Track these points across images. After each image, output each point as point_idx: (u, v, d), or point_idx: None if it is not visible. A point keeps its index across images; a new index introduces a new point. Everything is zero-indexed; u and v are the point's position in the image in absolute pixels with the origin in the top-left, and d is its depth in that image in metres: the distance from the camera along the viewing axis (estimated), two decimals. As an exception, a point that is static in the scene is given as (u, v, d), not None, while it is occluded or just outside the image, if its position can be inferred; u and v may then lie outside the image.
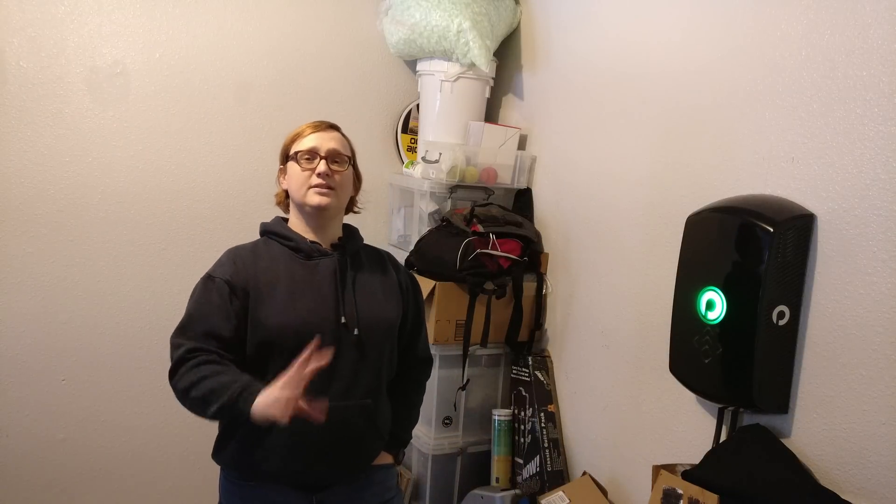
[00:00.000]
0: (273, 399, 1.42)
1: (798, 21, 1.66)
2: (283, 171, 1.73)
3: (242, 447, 1.63)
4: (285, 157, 1.71)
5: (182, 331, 1.59)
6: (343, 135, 1.74)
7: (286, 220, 1.76)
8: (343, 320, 1.64)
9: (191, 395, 1.51)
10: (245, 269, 1.64)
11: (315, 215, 1.68)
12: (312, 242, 1.69)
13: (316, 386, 1.55)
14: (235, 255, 1.68)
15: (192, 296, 1.64)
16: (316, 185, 1.64)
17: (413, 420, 1.93)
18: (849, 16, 1.55)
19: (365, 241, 1.82)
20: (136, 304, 2.56)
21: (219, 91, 2.60)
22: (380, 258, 1.82)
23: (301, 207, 1.69)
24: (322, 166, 1.64)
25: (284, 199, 1.76)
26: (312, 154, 1.66)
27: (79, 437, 2.53)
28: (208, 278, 1.65)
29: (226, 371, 1.52)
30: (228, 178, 2.65)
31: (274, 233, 1.71)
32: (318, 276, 1.66)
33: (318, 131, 1.69)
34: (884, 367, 1.47)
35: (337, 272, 1.67)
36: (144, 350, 2.57)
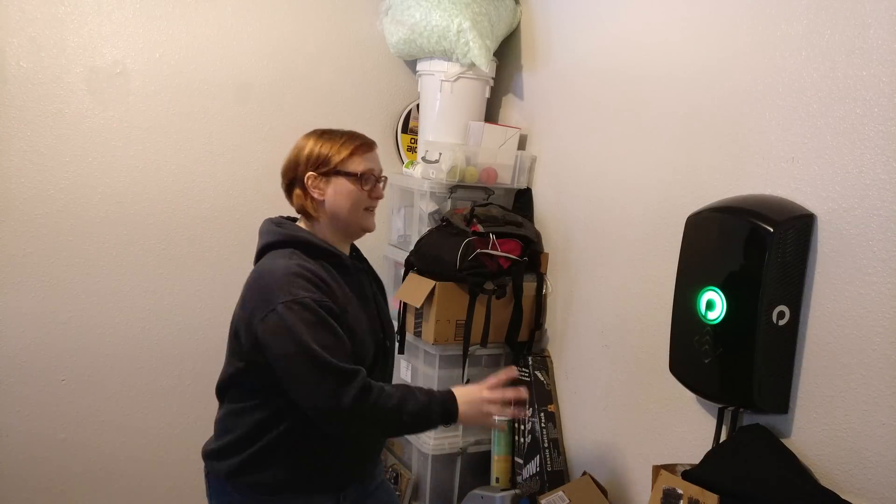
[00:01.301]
0: (479, 413, 1.57)
1: (798, 21, 1.66)
2: (320, 181, 1.64)
3: (288, 469, 1.60)
4: (333, 170, 1.63)
5: (336, 357, 1.48)
6: None
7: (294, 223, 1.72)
8: (382, 335, 1.71)
9: (406, 410, 1.51)
10: (327, 292, 1.55)
11: (357, 235, 1.72)
12: (349, 256, 1.71)
13: None
14: (311, 278, 1.54)
15: (301, 323, 1.47)
16: (370, 208, 1.69)
17: None
18: (849, 16, 1.55)
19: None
20: (135, 304, 2.56)
21: (219, 91, 2.60)
22: (368, 266, 1.86)
23: (349, 226, 1.67)
24: (380, 190, 1.70)
25: (319, 214, 1.66)
26: (373, 176, 1.68)
27: (79, 437, 2.53)
28: (315, 302, 1.50)
29: (407, 388, 1.56)
30: (228, 178, 2.65)
31: (316, 246, 1.62)
32: (362, 293, 1.69)
33: (371, 150, 1.70)
34: (884, 367, 1.47)
35: (369, 286, 1.74)
36: (144, 350, 2.57)
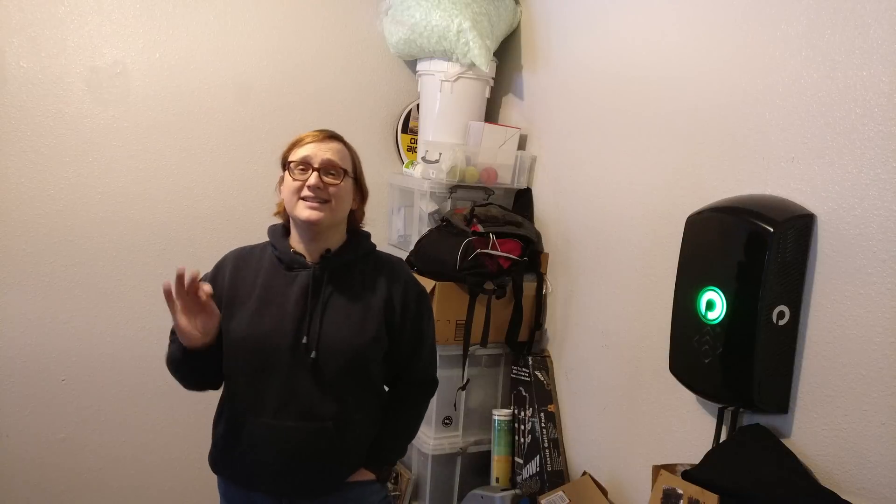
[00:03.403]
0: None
1: (798, 21, 1.66)
2: (282, 180, 1.68)
3: (218, 453, 1.70)
4: (284, 165, 1.66)
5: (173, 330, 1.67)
6: (345, 144, 1.67)
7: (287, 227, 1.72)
8: (304, 340, 1.58)
9: (170, 367, 1.71)
10: (224, 278, 1.66)
11: (306, 228, 1.62)
12: (295, 253, 1.64)
13: (273, 404, 1.59)
14: (225, 261, 1.72)
15: None
16: (305, 198, 1.58)
17: (401, 441, 1.81)
18: (849, 16, 1.55)
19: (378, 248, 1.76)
20: (135, 304, 2.56)
21: (219, 91, 2.60)
22: (377, 272, 1.70)
23: (293, 219, 1.64)
24: (313, 178, 1.57)
25: (283, 209, 1.69)
26: (305, 164, 1.59)
27: (79, 437, 2.53)
28: (204, 277, 1.69)
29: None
30: (228, 178, 2.65)
31: (270, 238, 1.71)
32: (291, 290, 1.62)
33: (315, 141, 1.62)
34: (884, 367, 1.47)
35: (309, 287, 1.61)
36: (144, 350, 2.57)
